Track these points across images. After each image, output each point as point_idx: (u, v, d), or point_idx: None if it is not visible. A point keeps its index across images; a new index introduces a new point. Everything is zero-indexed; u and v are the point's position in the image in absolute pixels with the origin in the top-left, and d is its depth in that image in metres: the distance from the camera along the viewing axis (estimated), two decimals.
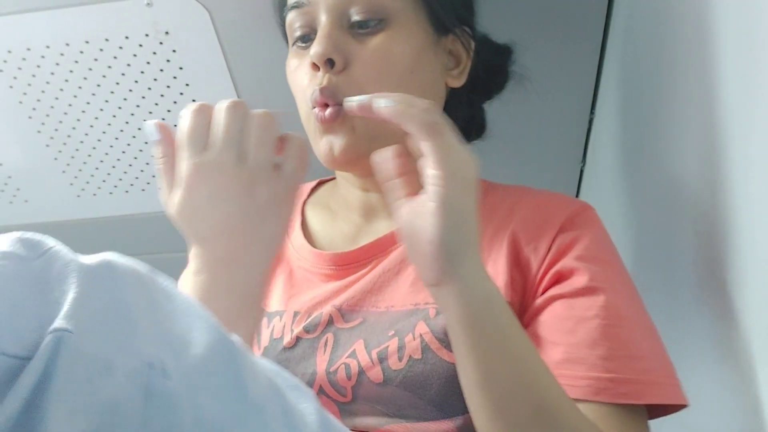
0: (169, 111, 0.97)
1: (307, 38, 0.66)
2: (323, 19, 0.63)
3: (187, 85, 0.94)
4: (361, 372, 0.59)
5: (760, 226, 0.49)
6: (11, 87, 0.95)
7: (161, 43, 0.89)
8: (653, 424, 0.58)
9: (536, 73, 0.92)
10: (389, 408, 0.59)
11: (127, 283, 0.39)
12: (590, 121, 0.99)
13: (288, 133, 0.56)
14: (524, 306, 0.62)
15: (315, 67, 0.62)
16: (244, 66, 0.92)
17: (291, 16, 0.66)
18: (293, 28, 0.66)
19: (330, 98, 0.61)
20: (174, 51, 0.90)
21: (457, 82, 0.70)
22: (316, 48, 0.61)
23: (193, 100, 0.96)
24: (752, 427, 0.52)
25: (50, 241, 0.39)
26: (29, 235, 0.38)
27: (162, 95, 0.95)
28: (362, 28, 0.63)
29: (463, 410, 0.56)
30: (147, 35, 0.89)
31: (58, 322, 0.34)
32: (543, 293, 0.61)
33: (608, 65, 0.91)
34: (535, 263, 0.62)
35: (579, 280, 0.59)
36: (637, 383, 0.55)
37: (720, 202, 0.56)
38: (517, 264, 0.62)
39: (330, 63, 0.62)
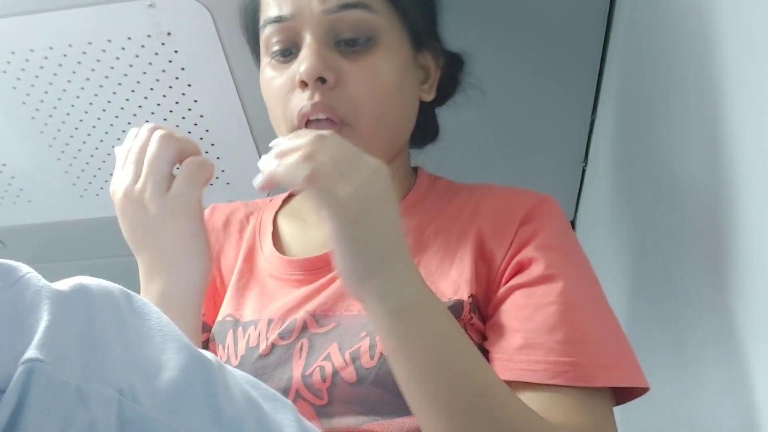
0: (171, 111, 0.97)
1: (287, 53, 0.65)
2: (308, 37, 0.63)
3: (189, 85, 0.94)
4: (335, 373, 0.61)
5: (762, 226, 0.49)
6: (14, 88, 0.95)
7: (163, 44, 0.90)
8: (651, 421, 0.58)
9: (538, 75, 0.92)
10: (365, 407, 0.60)
11: (100, 308, 0.39)
12: (592, 122, 0.99)
13: (190, 157, 0.61)
14: (488, 297, 0.64)
15: (303, 84, 0.63)
16: (245, 67, 0.92)
17: (269, 30, 0.65)
18: (271, 42, 0.66)
19: (327, 111, 0.62)
20: (176, 52, 0.91)
21: (428, 96, 0.71)
22: (307, 66, 0.62)
23: (195, 101, 0.96)
24: (752, 423, 0.52)
25: (22, 268, 0.39)
26: (1, 263, 0.38)
27: (164, 96, 0.95)
28: (350, 46, 0.64)
29: None
30: (149, 36, 0.89)
31: (30, 352, 0.34)
32: (505, 284, 0.62)
33: (609, 66, 0.91)
34: (498, 256, 0.64)
35: (537, 269, 0.61)
36: (594, 366, 0.56)
37: (722, 202, 0.56)
38: (482, 258, 0.64)
39: (321, 81, 0.62)
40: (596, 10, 0.86)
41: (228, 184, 1.06)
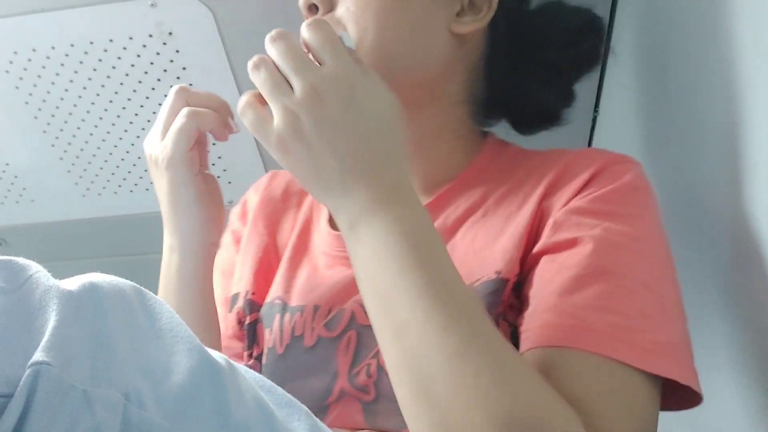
0: None
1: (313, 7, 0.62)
2: None
3: (190, 84, 0.94)
4: (381, 368, 0.57)
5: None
6: (17, 87, 0.96)
7: (165, 43, 0.90)
8: (666, 425, 0.57)
9: None
10: None
11: (109, 307, 0.39)
12: (594, 120, 0.99)
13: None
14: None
15: (306, 12, 0.62)
16: (246, 66, 0.92)
17: None
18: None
19: None
20: (177, 51, 0.91)
21: (465, 28, 0.61)
22: None
23: None
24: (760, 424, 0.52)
25: (32, 267, 0.38)
26: (9, 261, 0.38)
27: (165, 95, 0.95)
28: None
29: None
30: (151, 36, 0.89)
31: (38, 355, 0.34)
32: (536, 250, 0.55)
33: (612, 63, 0.91)
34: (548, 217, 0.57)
35: (566, 233, 0.54)
36: (614, 338, 0.48)
37: (734, 198, 0.56)
38: (540, 227, 0.57)
39: (315, 8, 0.61)
40: (599, 6, 0.86)
41: (230, 183, 1.06)
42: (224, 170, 1.05)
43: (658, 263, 0.53)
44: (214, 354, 0.41)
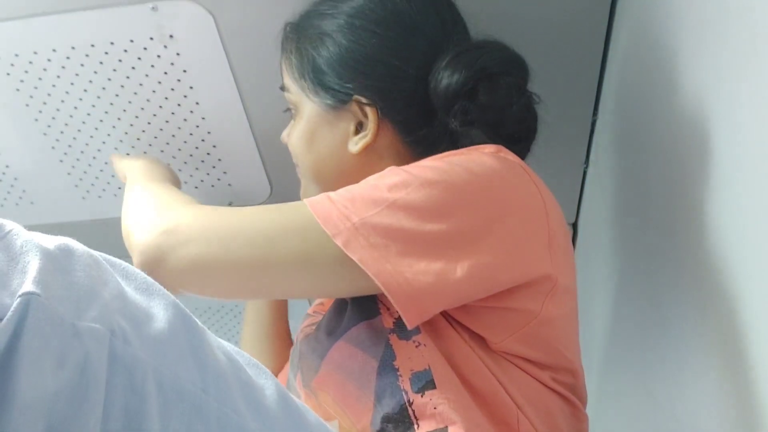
0: (173, 114, 0.98)
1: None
2: None
3: (191, 88, 0.94)
4: None
5: (760, 228, 0.49)
6: (18, 90, 0.96)
7: (165, 47, 0.90)
8: (649, 420, 0.57)
9: (539, 76, 0.92)
10: None
11: (85, 264, 0.42)
12: (593, 124, 0.99)
13: None
14: None
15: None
16: (247, 70, 0.92)
17: None
18: None
19: None
20: (178, 55, 0.91)
21: (356, 148, 0.74)
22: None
23: (197, 103, 0.96)
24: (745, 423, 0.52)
25: (9, 224, 0.41)
26: None
27: (166, 98, 0.96)
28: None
29: None
30: (151, 39, 0.89)
31: (28, 286, 0.36)
32: None
33: (610, 67, 0.91)
34: None
35: None
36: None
37: (721, 203, 0.56)
38: None
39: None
40: (598, 10, 0.86)
41: (230, 185, 1.06)
42: (224, 173, 1.06)
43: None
44: (188, 312, 0.46)
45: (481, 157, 0.65)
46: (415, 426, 0.60)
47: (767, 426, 0.49)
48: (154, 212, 0.66)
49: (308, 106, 0.76)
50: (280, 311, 0.98)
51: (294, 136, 0.78)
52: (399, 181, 0.62)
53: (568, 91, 0.94)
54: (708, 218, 0.59)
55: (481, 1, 0.84)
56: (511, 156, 0.67)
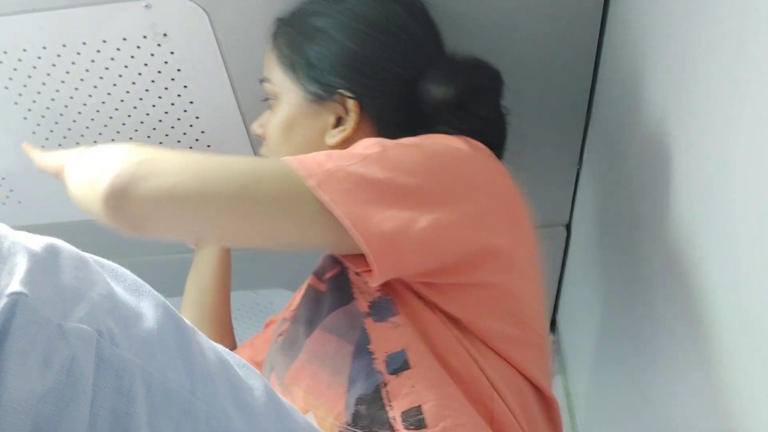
0: (166, 113, 0.97)
1: None
2: None
3: (185, 86, 0.94)
4: None
5: (750, 228, 0.49)
6: (7, 88, 0.94)
7: (159, 44, 0.89)
8: (643, 420, 0.58)
9: (532, 76, 0.93)
10: None
11: (72, 265, 0.42)
12: (586, 124, 1.00)
13: None
14: None
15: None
16: (242, 68, 0.92)
17: None
18: None
19: None
20: (172, 53, 0.90)
21: (333, 141, 0.76)
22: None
23: (191, 102, 0.96)
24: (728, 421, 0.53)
25: None
26: None
27: (159, 97, 0.95)
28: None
29: None
30: (145, 37, 0.88)
31: (15, 287, 0.37)
32: None
33: (603, 68, 0.92)
34: None
35: None
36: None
37: (711, 204, 0.57)
38: None
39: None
40: (590, 12, 0.87)
41: None
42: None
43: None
44: (177, 313, 0.46)
45: (455, 139, 0.70)
46: (388, 407, 0.61)
47: (756, 422, 0.50)
48: (125, 152, 0.62)
49: (291, 96, 0.78)
50: (223, 294, 0.97)
51: (273, 125, 0.80)
52: (376, 142, 0.65)
53: (561, 92, 0.95)
54: (699, 218, 0.60)
55: (479, 3, 0.85)
56: (481, 145, 0.73)
